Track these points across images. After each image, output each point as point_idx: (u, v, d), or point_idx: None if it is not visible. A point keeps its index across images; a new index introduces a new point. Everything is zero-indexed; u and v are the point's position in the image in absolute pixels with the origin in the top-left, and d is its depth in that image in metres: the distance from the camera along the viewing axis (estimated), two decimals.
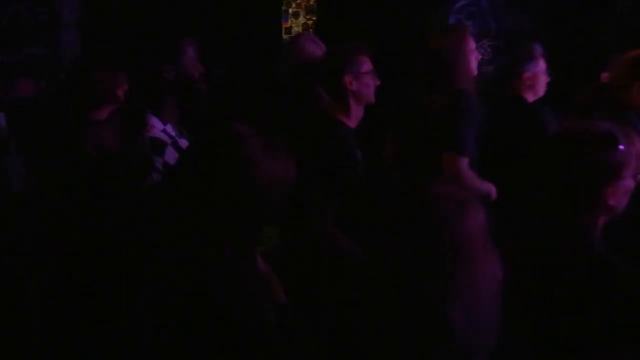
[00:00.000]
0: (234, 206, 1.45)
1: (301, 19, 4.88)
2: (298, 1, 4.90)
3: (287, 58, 3.24)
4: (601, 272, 1.68)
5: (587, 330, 1.60)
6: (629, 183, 1.75)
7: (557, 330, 1.65)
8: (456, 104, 2.73)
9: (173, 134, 2.72)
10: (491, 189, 2.76)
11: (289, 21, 4.90)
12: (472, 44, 2.90)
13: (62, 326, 2.52)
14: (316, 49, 3.21)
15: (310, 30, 4.81)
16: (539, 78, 3.25)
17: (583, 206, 1.74)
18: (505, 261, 1.46)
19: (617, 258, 1.71)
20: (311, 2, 4.87)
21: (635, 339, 1.62)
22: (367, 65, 2.65)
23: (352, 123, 2.66)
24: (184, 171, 1.60)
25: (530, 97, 3.25)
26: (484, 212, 1.23)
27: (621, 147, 1.72)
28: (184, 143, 2.75)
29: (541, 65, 3.25)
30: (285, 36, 4.81)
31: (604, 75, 3.33)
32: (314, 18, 4.84)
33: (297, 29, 4.82)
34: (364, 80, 2.63)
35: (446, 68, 2.77)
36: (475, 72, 2.89)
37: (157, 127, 2.67)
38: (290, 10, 4.90)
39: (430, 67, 2.84)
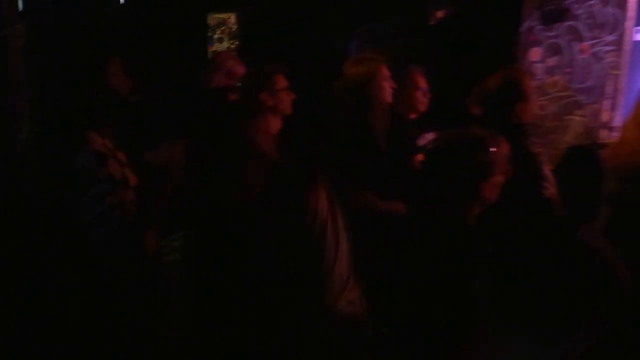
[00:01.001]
0: None
1: (225, 44, 4.88)
2: (222, 28, 4.89)
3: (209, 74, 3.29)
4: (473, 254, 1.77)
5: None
6: (498, 179, 1.88)
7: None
8: (363, 133, 2.72)
9: (111, 147, 2.75)
10: (397, 206, 2.68)
11: (214, 45, 4.91)
12: (385, 73, 2.83)
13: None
14: (235, 64, 3.27)
15: (233, 53, 4.86)
16: (415, 95, 3.15)
17: (462, 199, 1.86)
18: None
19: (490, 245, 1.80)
20: (234, 29, 4.88)
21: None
22: (282, 83, 2.68)
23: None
24: None
25: (411, 114, 3.18)
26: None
27: (492, 149, 1.86)
28: (122, 156, 2.81)
29: (419, 84, 3.17)
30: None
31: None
32: (237, 42, 4.87)
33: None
34: (280, 96, 2.66)
35: (359, 97, 2.74)
36: (389, 99, 2.84)
37: (97, 141, 2.69)
38: (215, 36, 4.91)
39: (345, 96, 2.79)
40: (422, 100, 3.17)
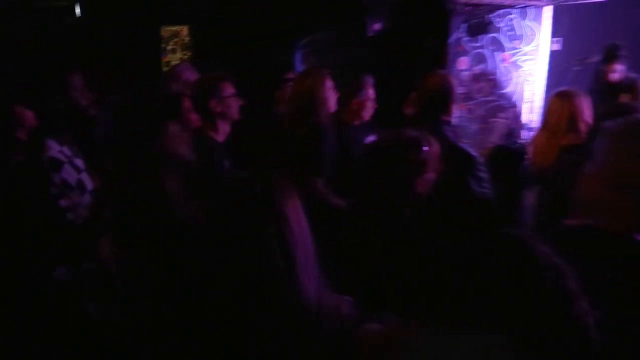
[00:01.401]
0: None
1: (178, 54, 4.96)
2: (175, 40, 4.96)
3: (166, 83, 3.37)
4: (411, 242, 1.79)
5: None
6: (431, 176, 1.96)
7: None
8: (314, 134, 2.83)
9: (69, 154, 2.82)
10: (341, 203, 2.73)
11: (168, 56, 4.97)
12: (329, 84, 2.95)
13: None
14: (191, 75, 3.36)
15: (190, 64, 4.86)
16: (365, 105, 3.24)
17: (399, 194, 1.90)
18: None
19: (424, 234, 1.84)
20: (186, 40, 4.96)
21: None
22: (229, 90, 2.75)
23: (220, 138, 2.78)
24: None
25: (357, 121, 3.26)
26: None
27: (425, 148, 1.93)
28: (79, 162, 2.86)
29: (369, 94, 3.25)
30: (165, 69, 4.90)
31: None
32: (189, 53, 4.96)
33: (175, 62, 4.89)
34: (227, 103, 2.73)
35: (308, 105, 2.87)
36: (333, 107, 2.96)
37: (54, 148, 2.76)
38: (169, 48, 4.96)
39: (296, 103, 2.93)
40: (370, 109, 3.27)
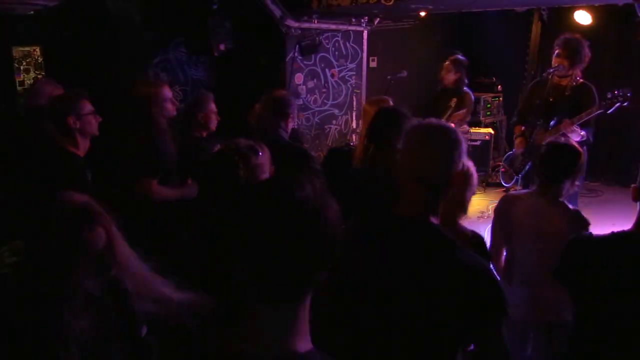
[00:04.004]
0: None
1: (32, 74, 4.87)
2: (28, 60, 4.92)
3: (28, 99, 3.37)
4: None
5: None
6: (265, 176, 2.10)
7: None
8: (153, 138, 2.93)
9: None
10: (185, 192, 2.95)
11: (22, 76, 4.86)
12: (167, 93, 3.09)
13: None
14: (54, 89, 3.33)
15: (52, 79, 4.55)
16: (210, 117, 3.41)
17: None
18: None
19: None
20: (39, 60, 4.92)
21: None
22: (87, 107, 2.78)
23: (81, 152, 2.80)
24: None
25: (204, 133, 3.41)
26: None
27: (260, 153, 2.11)
28: None
29: (212, 108, 3.41)
30: (19, 88, 4.80)
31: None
32: (43, 73, 4.87)
33: (29, 82, 4.84)
34: (86, 119, 2.77)
35: (146, 110, 2.96)
36: (171, 112, 3.09)
37: None
38: (22, 67, 4.88)
39: (134, 109, 3.00)
40: (214, 122, 3.47)
